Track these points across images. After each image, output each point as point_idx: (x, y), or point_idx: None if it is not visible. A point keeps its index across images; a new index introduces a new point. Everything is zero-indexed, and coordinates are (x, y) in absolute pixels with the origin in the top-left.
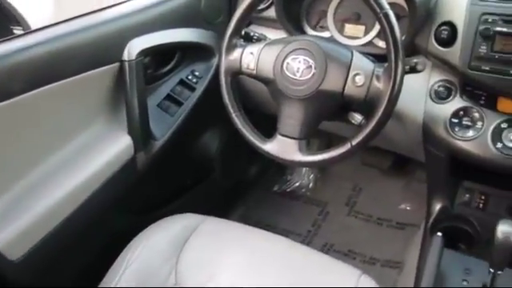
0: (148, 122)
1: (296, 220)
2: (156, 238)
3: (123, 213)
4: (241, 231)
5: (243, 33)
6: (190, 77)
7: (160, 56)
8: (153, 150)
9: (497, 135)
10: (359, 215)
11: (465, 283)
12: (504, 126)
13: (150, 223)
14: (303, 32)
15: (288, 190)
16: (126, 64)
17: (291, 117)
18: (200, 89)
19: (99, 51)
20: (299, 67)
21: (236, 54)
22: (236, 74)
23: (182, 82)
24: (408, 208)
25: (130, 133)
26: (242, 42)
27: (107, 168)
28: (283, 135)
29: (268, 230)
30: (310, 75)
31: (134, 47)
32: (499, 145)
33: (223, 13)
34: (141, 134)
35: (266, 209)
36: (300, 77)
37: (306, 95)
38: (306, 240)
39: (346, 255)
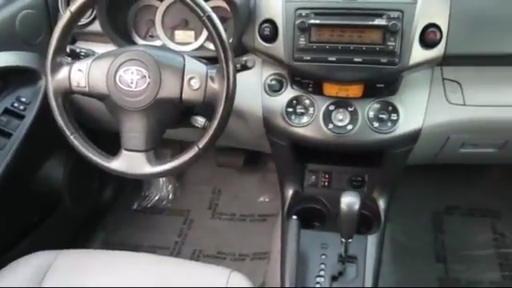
0: None
1: (161, 234)
2: (5, 284)
3: None
4: (101, 258)
5: (68, 50)
6: (15, 104)
7: None
8: None
9: (327, 117)
10: (223, 216)
11: (323, 257)
12: (332, 108)
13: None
14: (133, 43)
15: (148, 205)
16: None
17: (134, 130)
18: (30, 116)
19: None
20: (133, 78)
21: (63, 72)
22: (67, 94)
23: (7, 111)
24: (267, 200)
25: None
26: (68, 59)
27: None
28: (128, 150)
29: (134, 250)
30: (146, 85)
31: None
32: (330, 125)
33: (43, 31)
34: None
35: (128, 229)
36: (135, 88)
37: (144, 106)
38: (175, 251)
39: (216, 257)
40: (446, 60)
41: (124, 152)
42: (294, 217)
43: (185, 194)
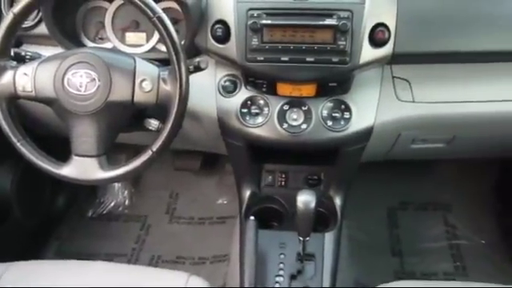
0: None
1: (118, 241)
2: None
3: None
4: (54, 268)
5: (13, 53)
6: None
7: None
8: None
9: (281, 117)
10: (181, 220)
11: (282, 256)
12: (286, 107)
13: None
14: (82, 46)
15: (104, 212)
16: None
17: (84, 134)
18: None
19: None
20: (82, 82)
21: (7, 77)
22: (12, 99)
23: None
24: (225, 202)
25: None
26: (13, 63)
27: None
28: (80, 155)
29: (90, 259)
30: (95, 88)
31: None
32: (285, 125)
33: None
34: None
35: (83, 238)
36: (85, 91)
37: (95, 109)
38: (133, 258)
39: (176, 262)
40: (395, 58)
41: (75, 158)
42: (252, 217)
43: (141, 199)
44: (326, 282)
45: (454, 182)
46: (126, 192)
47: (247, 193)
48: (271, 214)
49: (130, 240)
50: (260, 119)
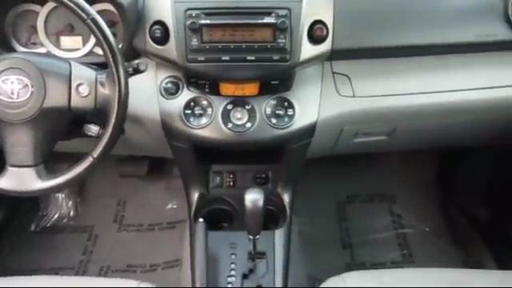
0: None
1: (64, 254)
2: None
3: None
4: None
5: None
6: None
7: None
8: None
9: (226, 117)
10: (130, 227)
11: (233, 256)
12: (229, 107)
13: None
14: (14, 51)
15: (47, 225)
16: None
17: (19, 144)
18: None
19: None
20: (14, 88)
21: None
22: None
23: None
24: (174, 206)
25: None
26: None
27: None
28: (15, 166)
29: (33, 275)
30: (29, 95)
31: None
32: (230, 125)
33: None
34: None
35: (26, 253)
36: (17, 98)
37: (29, 117)
38: (80, 271)
39: (126, 271)
40: (334, 55)
41: (10, 169)
42: (201, 220)
43: (87, 208)
44: (278, 279)
45: (397, 173)
46: (70, 202)
47: (195, 195)
48: (221, 215)
49: (76, 252)
50: (204, 120)
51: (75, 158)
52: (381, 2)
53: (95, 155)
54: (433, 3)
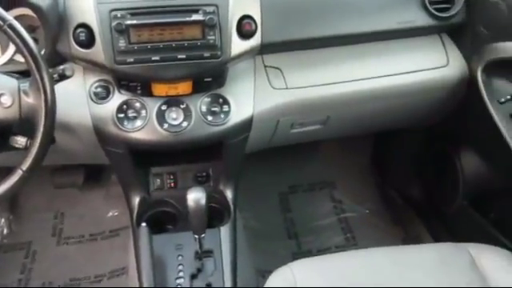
0: None
1: (0, 275)
2: None
3: None
4: None
5: None
6: None
7: None
8: None
9: (161, 118)
10: (70, 240)
11: (180, 258)
12: (164, 107)
13: None
14: None
15: None
16: None
17: None
18: None
19: None
20: None
21: None
22: None
23: None
24: (116, 213)
25: None
26: None
27: None
28: None
29: None
30: None
31: None
32: (165, 125)
33: None
34: None
35: None
36: None
37: None
38: None
39: (70, 286)
40: (265, 48)
41: None
42: (144, 224)
43: (22, 225)
44: (227, 276)
45: (336, 160)
46: (2, 220)
47: (136, 200)
48: (164, 218)
49: (14, 271)
50: (139, 122)
51: (4, 172)
52: None
53: (24, 168)
54: None
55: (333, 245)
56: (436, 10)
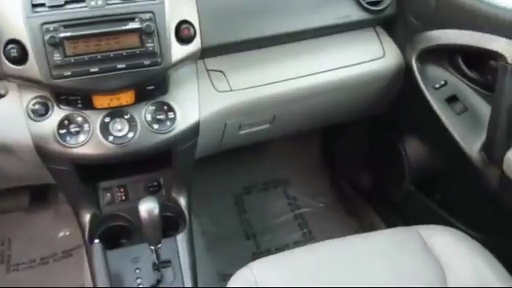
0: None
1: None
2: None
3: None
4: None
5: None
6: None
7: None
8: None
9: (105, 130)
10: (20, 266)
11: (138, 271)
12: (107, 119)
13: None
14: None
15: None
16: None
17: None
18: None
19: None
20: None
21: None
22: None
23: None
24: (67, 233)
25: None
26: None
27: None
28: None
29: None
30: None
31: None
32: (110, 138)
33: None
34: None
35: None
36: None
37: None
38: None
39: None
40: (206, 52)
41: None
42: (96, 241)
43: None
44: (188, 284)
45: (287, 157)
46: None
47: (87, 217)
48: (118, 232)
49: None
50: (82, 137)
51: None
52: None
53: None
54: None
55: (291, 241)
56: (368, 3)
